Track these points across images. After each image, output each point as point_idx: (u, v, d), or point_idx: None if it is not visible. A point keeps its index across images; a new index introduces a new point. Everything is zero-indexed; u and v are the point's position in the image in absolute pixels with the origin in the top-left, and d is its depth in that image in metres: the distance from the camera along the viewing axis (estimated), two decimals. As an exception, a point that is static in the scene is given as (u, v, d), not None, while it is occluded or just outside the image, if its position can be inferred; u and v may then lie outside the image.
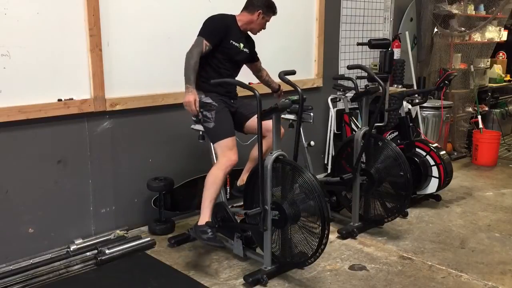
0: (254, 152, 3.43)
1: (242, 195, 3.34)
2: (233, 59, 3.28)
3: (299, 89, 3.02)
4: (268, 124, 3.10)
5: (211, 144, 3.29)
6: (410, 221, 4.08)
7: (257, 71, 3.66)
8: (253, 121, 3.28)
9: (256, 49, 3.54)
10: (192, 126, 3.38)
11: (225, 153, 3.13)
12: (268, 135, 3.22)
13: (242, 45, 3.30)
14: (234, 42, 3.24)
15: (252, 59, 3.52)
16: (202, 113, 3.20)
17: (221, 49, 3.20)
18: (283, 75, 3.15)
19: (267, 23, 3.39)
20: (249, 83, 4.14)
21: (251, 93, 2.90)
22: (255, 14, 3.27)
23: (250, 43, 3.44)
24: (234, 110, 3.36)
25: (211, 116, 3.18)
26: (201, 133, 3.34)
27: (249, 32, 3.40)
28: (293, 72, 3.31)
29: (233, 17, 3.30)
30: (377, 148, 3.77)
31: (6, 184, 3.12)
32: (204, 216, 3.13)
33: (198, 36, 3.16)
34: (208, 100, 3.20)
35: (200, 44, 3.11)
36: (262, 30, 3.40)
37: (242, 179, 3.52)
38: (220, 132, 3.17)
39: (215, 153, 3.26)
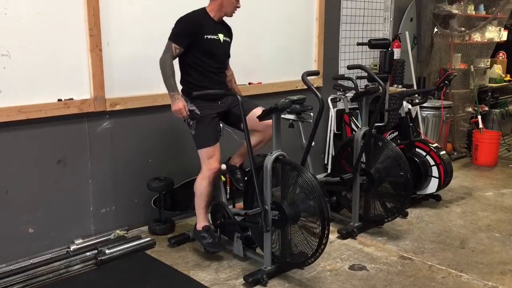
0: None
1: (227, 173, 3.45)
2: (214, 54, 3.21)
3: (318, 96, 3.02)
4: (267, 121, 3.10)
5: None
6: (410, 221, 4.08)
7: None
8: (252, 115, 3.15)
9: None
10: (192, 126, 3.38)
11: (205, 162, 3.24)
12: (266, 131, 3.21)
13: (221, 35, 3.23)
14: (209, 36, 3.16)
15: None
16: (187, 120, 3.23)
17: (198, 47, 3.15)
18: (305, 76, 3.13)
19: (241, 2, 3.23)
20: (249, 83, 4.16)
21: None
22: None
23: (230, 33, 3.34)
24: (224, 110, 3.31)
25: (192, 124, 3.22)
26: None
27: (225, 20, 3.27)
28: (316, 73, 3.38)
29: (203, 11, 3.20)
30: (377, 148, 3.76)
31: (6, 184, 3.13)
32: (200, 222, 3.34)
33: (168, 40, 3.13)
34: (192, 107, 3.20)
35: (169, 48, 3.11)
36: (237, 9, 3.23)
37: (234, 161, 3.53)
38: (200, 140, 3.24)
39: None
